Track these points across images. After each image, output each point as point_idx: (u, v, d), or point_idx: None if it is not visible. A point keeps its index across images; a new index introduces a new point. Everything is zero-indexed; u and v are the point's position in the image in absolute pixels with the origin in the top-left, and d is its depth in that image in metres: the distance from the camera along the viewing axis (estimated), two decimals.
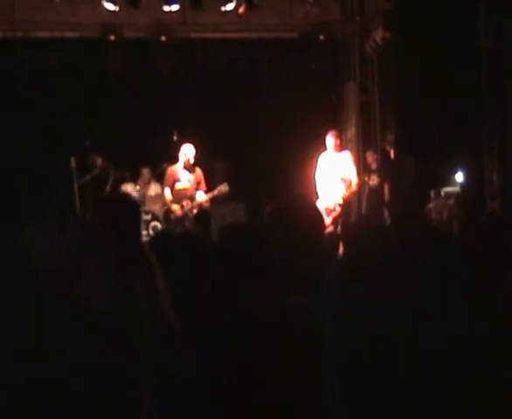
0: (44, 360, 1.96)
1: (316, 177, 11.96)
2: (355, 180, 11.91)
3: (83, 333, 1.99)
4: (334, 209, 11.50)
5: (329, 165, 11.90)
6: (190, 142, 11.89)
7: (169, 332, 2.52)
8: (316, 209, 4.06)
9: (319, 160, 12.01)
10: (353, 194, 12.04)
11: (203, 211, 10.86)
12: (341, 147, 12.07)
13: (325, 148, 11.97)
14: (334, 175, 11.80)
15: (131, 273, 2.52)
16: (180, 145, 11.96)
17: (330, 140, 11.92)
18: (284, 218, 3.77)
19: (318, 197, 11.80)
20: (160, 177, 12.78)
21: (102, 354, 2.01)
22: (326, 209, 11.41)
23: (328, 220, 11.13)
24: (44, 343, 1.95)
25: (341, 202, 11.62)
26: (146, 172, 13.15)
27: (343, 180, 11.79)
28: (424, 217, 11.39)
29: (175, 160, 11.95)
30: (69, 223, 3.26)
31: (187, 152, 11.63)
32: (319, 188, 11.88)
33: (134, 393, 2.26)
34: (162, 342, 2.47)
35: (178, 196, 11.44)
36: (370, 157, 13.56)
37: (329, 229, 10.34)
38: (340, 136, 12.34)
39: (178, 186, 11.47)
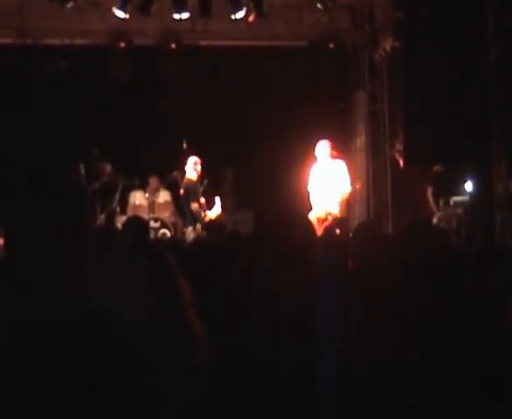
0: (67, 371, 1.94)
1: (309, 189, 11.92)
2: (346, 188, 11.87)
3: (110, 343, 1.96)
4: (326, 219, 11.39)
5: (321, 175, 11.86)
6: (198, 150, 11.96)
7: (195, 342, 2.50)
8: (306, 221, 4.03)
9: (311, 171, 11.97)
10: (344, 202, 12.01)
11: (215, 220, 11.06)
12: (334, 155, 12.02)
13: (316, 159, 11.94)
14: (326, 185, 11.75)
15: (158, 282, 2.50)
16: (189, 153, 12.01)
17: (322, 148, 11.86)
18: (272, 232, 3.76)
19: (311, 208, 11.73)
20: (170, 185, 12.81)
21: (130, 367, 1.98)
22: (318, 219, 11.31)
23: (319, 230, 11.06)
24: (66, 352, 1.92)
25: (333, 211, 11.54)
26: (154, 180, 13.15)
27: (336, 188, 11.73)
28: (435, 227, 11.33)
29: (183, 168, 12.01)
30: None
31: (197, 165, 11.76)
32: (312, 199, 11.84)
33: (158, 404, 2.24)
34: (187, 354, 2.45)
35: (203, 210, 11.58)
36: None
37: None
38: (333, 144, 12.26)
39: (201, 200, 11.62)
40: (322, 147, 11.92)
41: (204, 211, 11.60)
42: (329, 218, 11.31)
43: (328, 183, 11.79)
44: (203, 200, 11.66)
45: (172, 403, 2.37)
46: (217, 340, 2.70)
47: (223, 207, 11.81)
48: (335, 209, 11.67)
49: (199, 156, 11.88)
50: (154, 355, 2.30)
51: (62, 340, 1.91)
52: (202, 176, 11.90)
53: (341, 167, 12.04)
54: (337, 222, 11.17)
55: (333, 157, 12.03)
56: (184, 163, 11.98)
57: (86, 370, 1.90)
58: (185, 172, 11.92)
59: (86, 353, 1.91)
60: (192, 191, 11.67)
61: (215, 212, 11.75)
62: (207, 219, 11.46)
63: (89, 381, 1.89)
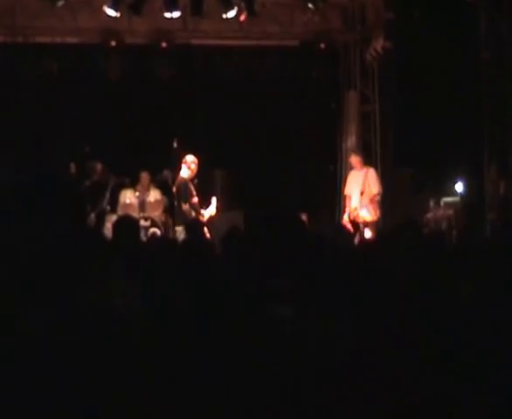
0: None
1: (345, 193, 12.86)
2: (374, 190, 12.33)
3: (112, 341, 1.96)
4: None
5: (354, 182, 12.69)
6: (189, 149, 11.92)
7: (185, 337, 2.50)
8: (297, 220, 4.05)
9: (348, 177, 12.89)
10: (375, 205, 12.58)
11: (193, 220, 11.04)
12: (363, 164, 12.83)
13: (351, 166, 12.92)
14: (357, 191, 12.54)
15: (148, 279, 2.52)
16: (179, 152, 11.98)
17: (354, 158, 12.92)
18: (262, 231, 3.76)
19: (345, 213, 12.64)
20: (160, 184, 12.77)
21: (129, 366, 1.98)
22: (349, 221, 12.13)
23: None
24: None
25: (363, 215, 12.32)
26: (145, 176, 13.04)
27: (366, 195, 12.30)
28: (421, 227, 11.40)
29: (174, 167, 11.98)
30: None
31: (193, 163, 11.73)
32: (347, 203, 12.72)
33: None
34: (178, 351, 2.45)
35: (196, 210, 11.56)
36: None
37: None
38: (361, 154, 13.14)
39: (194, 200, 11.59)
40: (354, 158, 12.92)
41: (198, 211, 11.55)
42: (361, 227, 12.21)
43: (359, 190, 12.52)
44: (196, 199, 11.61)
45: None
46: (207, 342, 2.70)
47: (217, 207, 11.80)
48: (365, 214, 12.40)
49: (191, 155, 11.86)
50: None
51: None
52: (195, 175, 11.85)
53: (371, 173, 12.76)
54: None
55: (361, 166, 12.78)
56: (177, 162, 11.94)
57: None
58: (178, 171, 11.88)
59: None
60: (184, 190, 11.63)
61: (209, 212, 11.72)
62: (200, 218, 11.43)
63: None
